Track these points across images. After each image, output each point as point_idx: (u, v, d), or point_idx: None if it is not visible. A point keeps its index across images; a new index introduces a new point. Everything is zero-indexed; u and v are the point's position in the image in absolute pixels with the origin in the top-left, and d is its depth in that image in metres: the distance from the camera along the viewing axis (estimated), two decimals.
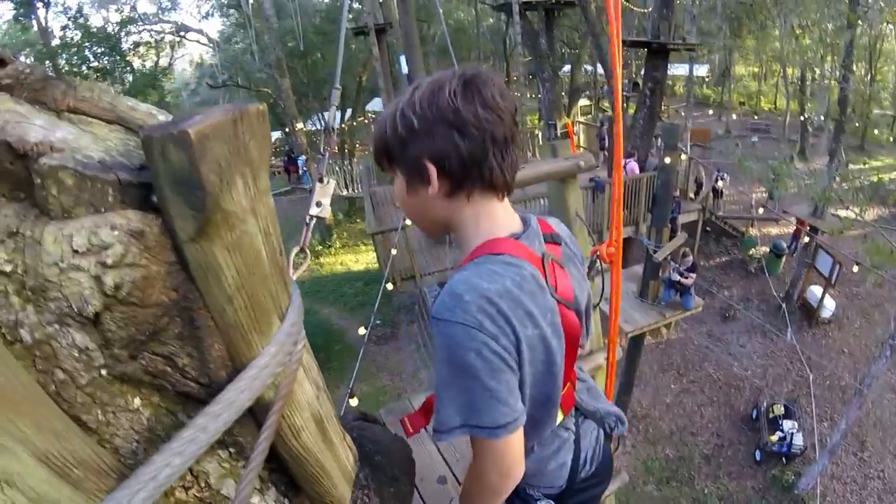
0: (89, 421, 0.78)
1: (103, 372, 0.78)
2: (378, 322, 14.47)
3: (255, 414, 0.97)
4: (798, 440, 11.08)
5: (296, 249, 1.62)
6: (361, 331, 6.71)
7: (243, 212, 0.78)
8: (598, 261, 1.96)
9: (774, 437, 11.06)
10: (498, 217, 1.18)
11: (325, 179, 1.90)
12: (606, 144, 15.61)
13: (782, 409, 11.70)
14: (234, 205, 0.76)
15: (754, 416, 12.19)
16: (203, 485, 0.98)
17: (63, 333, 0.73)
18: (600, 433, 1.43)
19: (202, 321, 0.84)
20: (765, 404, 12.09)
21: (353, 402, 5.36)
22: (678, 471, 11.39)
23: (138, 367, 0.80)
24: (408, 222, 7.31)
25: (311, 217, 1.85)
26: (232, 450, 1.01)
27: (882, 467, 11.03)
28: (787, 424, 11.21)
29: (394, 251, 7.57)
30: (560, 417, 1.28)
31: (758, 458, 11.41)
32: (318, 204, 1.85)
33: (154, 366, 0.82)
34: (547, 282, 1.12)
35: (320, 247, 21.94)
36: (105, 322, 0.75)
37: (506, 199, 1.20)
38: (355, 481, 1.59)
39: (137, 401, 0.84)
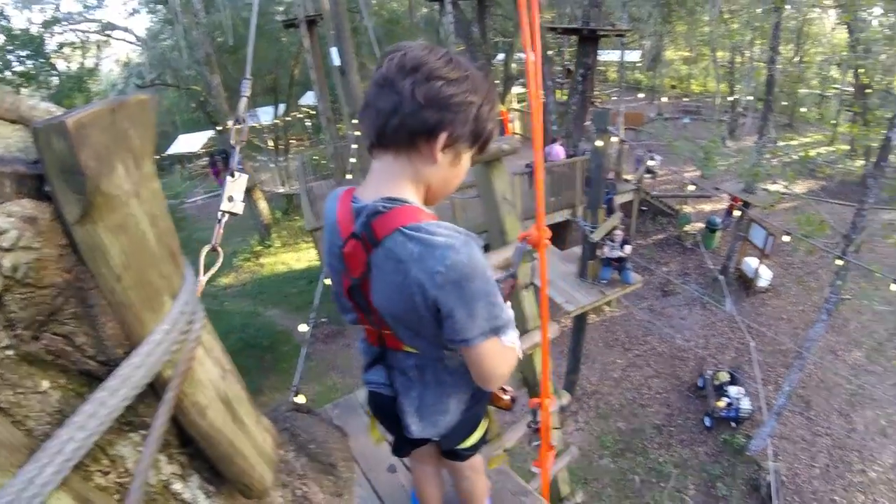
0: (0, 402, 0.83)
1: (9, 353, 0.83)
2: (324, 319, 14.14)
3: (159, 393, 1.02)
4: (745, 404, 11.45)
5: (206, 248, 1.60)
6: (302, 328, 6.56)
7: (125, 195, 0.84)
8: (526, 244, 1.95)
9: (721, 403, 11.40)
10: (368, 176, 1.31)
11: (236, 174, 1.86)
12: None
13: (727, 376, 12.08)
14: (115, 188, 0.82)
15: (700, 385, 12.52)
16: (122, 470, 1.03)
17: None
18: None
19: (95, 300, 0.89)
20: (709, 373, 12.45)
21: (300, 399, 5.32)
22: (632, 442, 11.67)
23: (41, 347, 0.86)
24: None
25: (223, 213, 1.80)
26: (143, 431, 1.06)
27: (828, 424, 11.50)
28: (733, 390, 11.59)
29: None
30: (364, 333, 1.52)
31: (707, 424, 11.76)
32: (230, 199, 1.81)
33: (55, 345, 0.87)
34: (343, 245, 1.28)
35: (260, 247, 21.38)
36: (7, 303, 0.81)
37: (379, 173, 1.28)
38: (289, 469, 1.64)
39: (46, 383, 0.89)
